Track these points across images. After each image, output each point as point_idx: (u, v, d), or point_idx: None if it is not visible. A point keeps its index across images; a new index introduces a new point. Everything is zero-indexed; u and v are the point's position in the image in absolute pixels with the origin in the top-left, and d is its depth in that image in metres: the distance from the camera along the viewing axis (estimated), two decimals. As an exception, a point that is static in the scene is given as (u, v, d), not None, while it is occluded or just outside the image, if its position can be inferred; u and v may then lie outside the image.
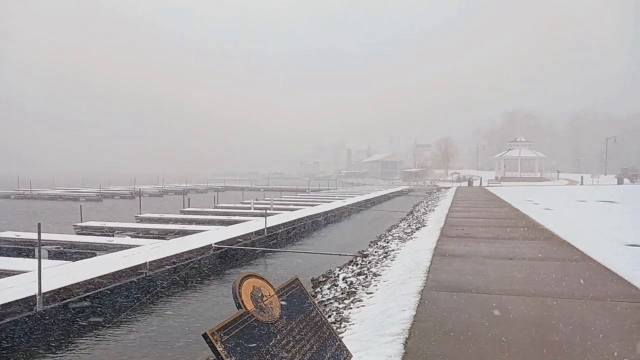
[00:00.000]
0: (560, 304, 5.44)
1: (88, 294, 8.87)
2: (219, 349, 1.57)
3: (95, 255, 12.77)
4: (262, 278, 1.99)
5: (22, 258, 12.46)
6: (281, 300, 2.00)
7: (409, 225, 16.90)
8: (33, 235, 13.90)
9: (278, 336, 1.85)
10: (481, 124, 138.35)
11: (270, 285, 2.01)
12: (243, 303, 1.79)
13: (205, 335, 1.57)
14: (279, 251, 15.66)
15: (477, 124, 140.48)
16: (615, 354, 3.94)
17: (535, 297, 5.74)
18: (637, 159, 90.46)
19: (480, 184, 62.51)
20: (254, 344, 1.72)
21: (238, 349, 1.67)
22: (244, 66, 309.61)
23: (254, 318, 1.79)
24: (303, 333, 2.00)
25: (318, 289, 9.20)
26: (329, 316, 6.16)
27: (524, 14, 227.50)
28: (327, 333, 2.18)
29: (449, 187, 55.15)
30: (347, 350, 2.30)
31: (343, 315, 6.01)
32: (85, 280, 8.96)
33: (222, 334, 1.61)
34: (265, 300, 1.91)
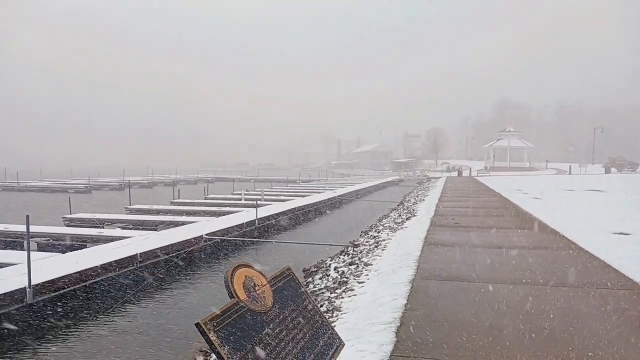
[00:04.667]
0: (549, 292, 5.51)
1: (79, 285, 8.83)
2: (212, 338, 1.57)
3: (86, 247, 12.69)
4: (254, 268, 1.99)
5: (11, 251, 12.33)
6: (274, 290, 2.00)
7: (400, 216, 16.98)
8: (22, 228, 13.77)
9: (271, 325, 1.85)
10: (471, 114, 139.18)
11: (262, 274, 2.01)
12: (235, 292, 1.78)
13: (198, 325, 1.57)
14: (270, 242, 15.67)
15: (467, 114, 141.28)
16: (603, 340, 4.01)
17: (525, 286, 5.81)
18: (625, 148, 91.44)
19: (470, 174, 62.93)
20: (247, 333, 1.72)
21: (231, 338, 1.67)
22: (236, 61, 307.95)
23: (247, 307, 1.79)
24: (296, 322, 2.00)
25: (310, 279, 9.23)
26: (321, 306, 6.19)
27: (515, 8, 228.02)
28: (320, 322, 2.19)
29: (439, 178, 55.41)
30: (339, 338, 2.32)
31: (335, 304, 6.05)
32: (75, 272, 8.91)
33: (215, 324, 1.61)
34: (258, 290, 1.90)
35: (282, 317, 1.94)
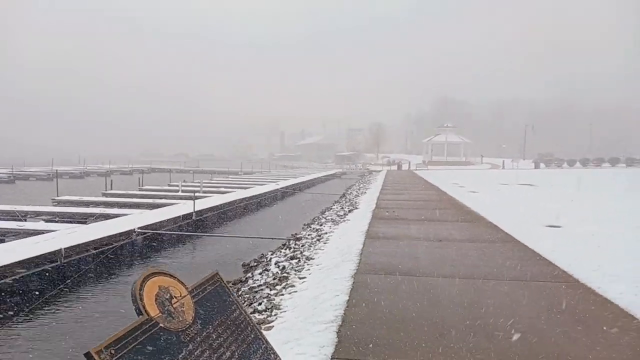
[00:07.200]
0: (488, 285, 5.51)
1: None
2: (108, 370, 1.23)
3: (4, 241, 11.65)
4: (171, 275, 1.64)
5: None
6: (196, 301, 1.66)
7: (342, 208, 16.92)
8: None
9: (190, 345, 1.51)
10: (411, 109, 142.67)
11: (182, 283, 1.67)
12: (145, 308, 1.44)
13: (88, 356, 1.22)
14: (208, 236, 15.10)
15: (407, 109, 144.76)
16: (539, 331, 3.99)
17: (465, 279, 5.78)
18: (552, 144, 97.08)
19: (409, 167, 64.46)
20: (159, 358, 1.39)
21: (137, 366, 1.33)
22: (179, 48, 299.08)
23: (159, 326, 1.44)
24: (222, 338, 1.67)
25: (249, 274, 8.91)
26: (260, 303, 5.89)
27: (455, 8, 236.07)
28: (252, 335, 1.88)
29: (379, 171, 56.32)
30: (275, 353, 2.03)
31: (274, 302, 5.76)
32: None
33: (112, 351, 1.26)
34: (175, 303, 1.56)
35: (204, 333, 1.61)
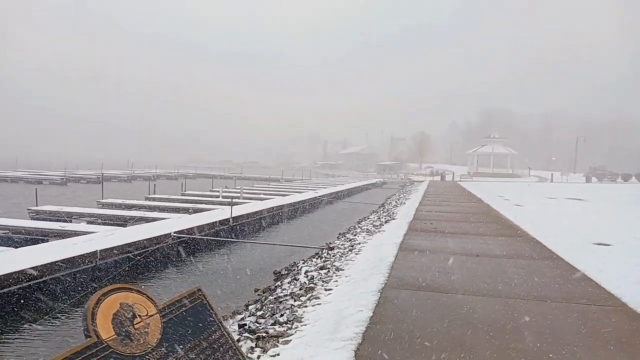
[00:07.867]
0: (527, 307, 5.11)
1: (25, 284, 8.19)
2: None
3: (47, 241, 12.03)
4: (139, 291, 1.47)
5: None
6: (165, 320, 1.48)
7: (379, 218, 16.57)
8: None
9: (148, 374, 1.33)
10: (457, 119, 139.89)
11: (151, 300, 1.49)
12: (95, 329, 1.27)
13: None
14: (243, 242, 15.11)
15: (452, 119, 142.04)
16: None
17: (501, 299, 5.40)
18: (605, 158, 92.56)
19: (453, 178, 62.93)
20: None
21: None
22: (230, 62, 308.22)
23: (111, 350, 1.27)
24: (194, 364, 1.49)
25: (279, 283, 8.78)
26: (282, 315, 5.71)
27: (506, 19, 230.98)
28: (232, 361, 1.69)
29: (422, 181, 55.24)
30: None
31: (297, 314, 5.57)
32: (24, 269, 8.27)
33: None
34: (138, 323, 1.38)
35: (170, 358, 1.43)
